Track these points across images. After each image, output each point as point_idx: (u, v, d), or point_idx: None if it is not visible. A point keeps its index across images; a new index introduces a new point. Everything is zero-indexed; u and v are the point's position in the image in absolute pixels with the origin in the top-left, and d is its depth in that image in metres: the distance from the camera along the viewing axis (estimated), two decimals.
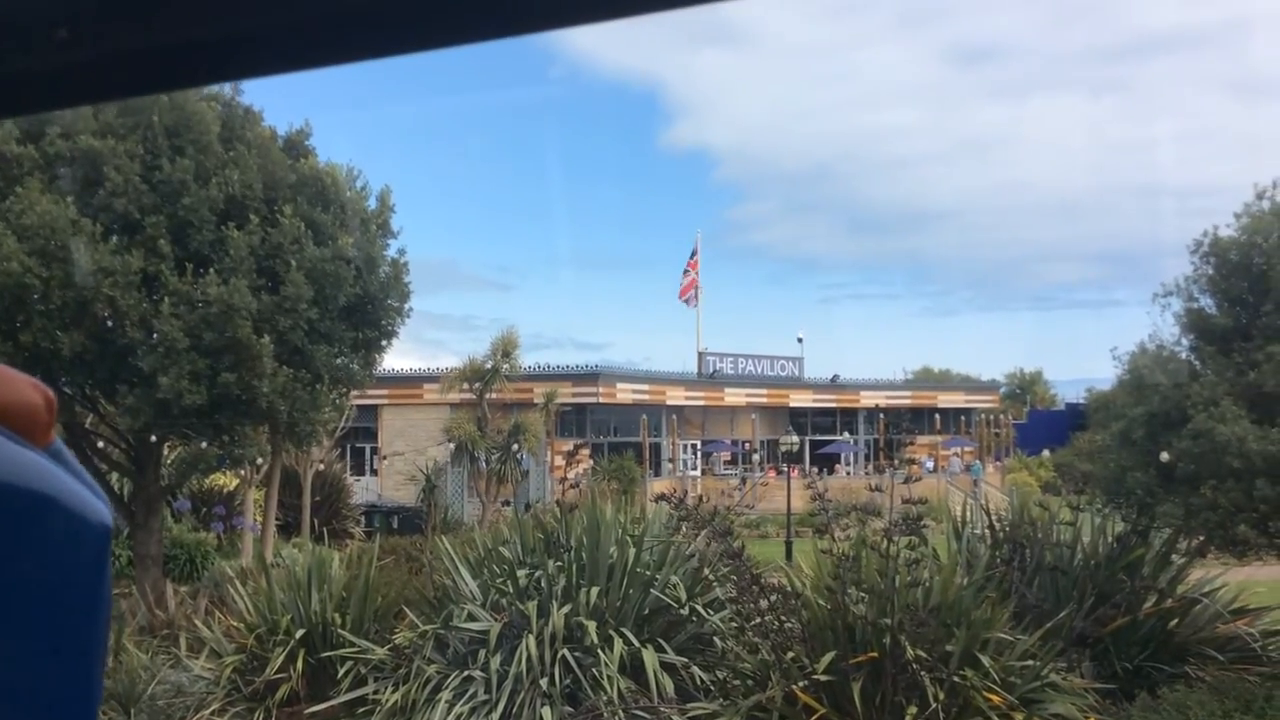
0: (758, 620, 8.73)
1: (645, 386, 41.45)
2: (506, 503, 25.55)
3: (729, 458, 48.11)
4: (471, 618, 10.61)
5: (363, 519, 30.43)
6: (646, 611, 10.59)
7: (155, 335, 12.22)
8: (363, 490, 34.55)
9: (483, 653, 10.13)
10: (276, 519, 27.16)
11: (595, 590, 10.52)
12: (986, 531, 12.26)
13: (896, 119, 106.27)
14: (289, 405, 13.15)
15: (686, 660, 9.96)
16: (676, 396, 43.57)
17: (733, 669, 9.15)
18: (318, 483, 28.58)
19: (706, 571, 10.94)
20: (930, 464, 44.50)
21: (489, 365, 20.52)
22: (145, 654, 13.31)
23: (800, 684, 7.89)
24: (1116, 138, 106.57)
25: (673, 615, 10.52)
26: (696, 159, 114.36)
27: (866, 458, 50.95)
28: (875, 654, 8.05)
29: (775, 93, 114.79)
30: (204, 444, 13.14)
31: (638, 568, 10.83)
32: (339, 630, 11.17)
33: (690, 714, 9.00)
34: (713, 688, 9.66)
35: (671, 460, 42.28)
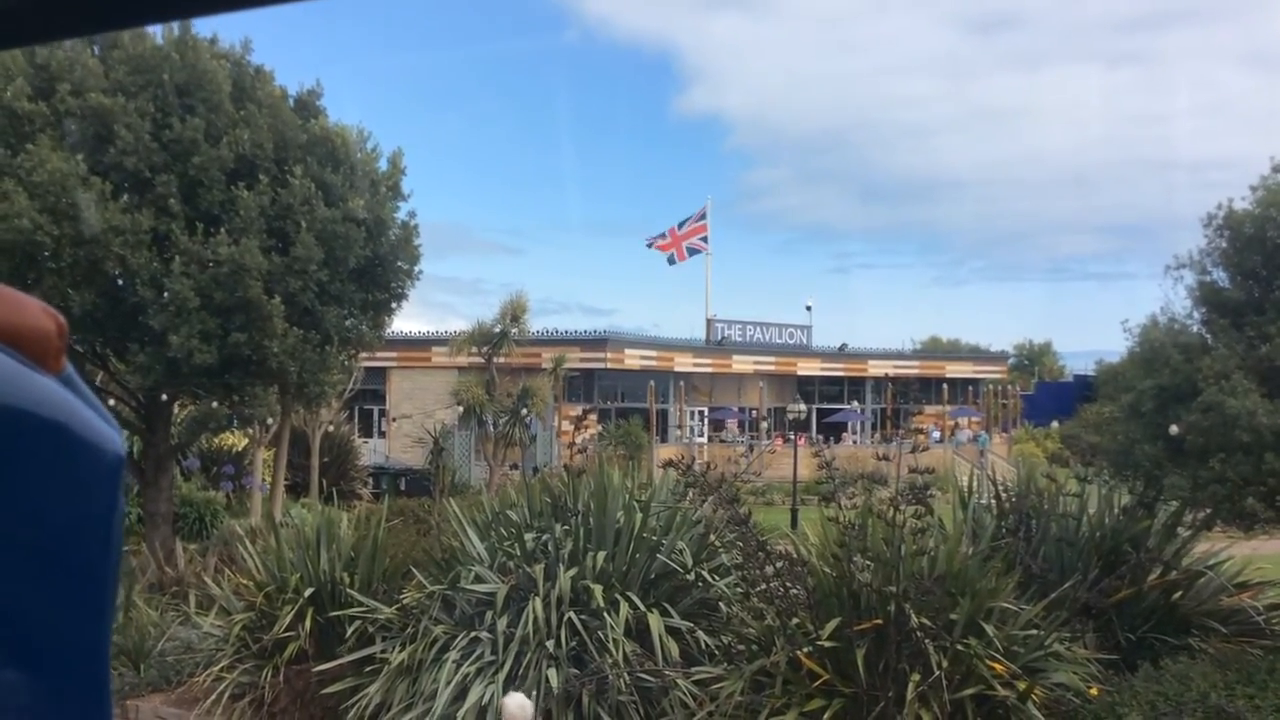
0: (762, 586, 8.77)
1: (653, 353, 41.45)
2: (514, 466, 25.66)
3: (735, 425, 48.16)
4: (479, 579, 10.68)
5: (370, 480, 30.61)
6: (653, 576, 10.64)
7: (166, 294, 12.23)
8: (370, 452, 34.71)
9: (489, 614, 10.21)
10: (285, 479, 27.36)
11: (602, 554, 10.58)
12: (993, 502, 12.26)
13: (911, 88, 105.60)
14: (298, 366, 13.18)
15: (692, 625, 10.02)
16: (685, 363, 43.57)
17: (737, 634, 9.20)
18: (326, 444, 28.70)
19: (712, 538, 10.98)
20: (937, 434, 44.52)
21: (498, 329, 20.51)
22: (155, 611, 13.47)
23: (805, 650, 7.94)
24: (1131, 109, 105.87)
25: (679, 580, 10.57)
26: (709, 125, 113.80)
27: (873, 427, 51.00)
28: (879, 621, 8.09)
29: (790, 59, 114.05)
30: (214, 403, 13.17)
31: (644, 533, 10.87)
32: (348, 590, 11.26)
33: (695, 678, 9.08)
34: (717, 652, 9.73)
35: (680, 427, 42.33)
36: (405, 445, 37.85)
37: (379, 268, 14.64)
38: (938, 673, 7.62)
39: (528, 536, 11.01)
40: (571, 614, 9.94)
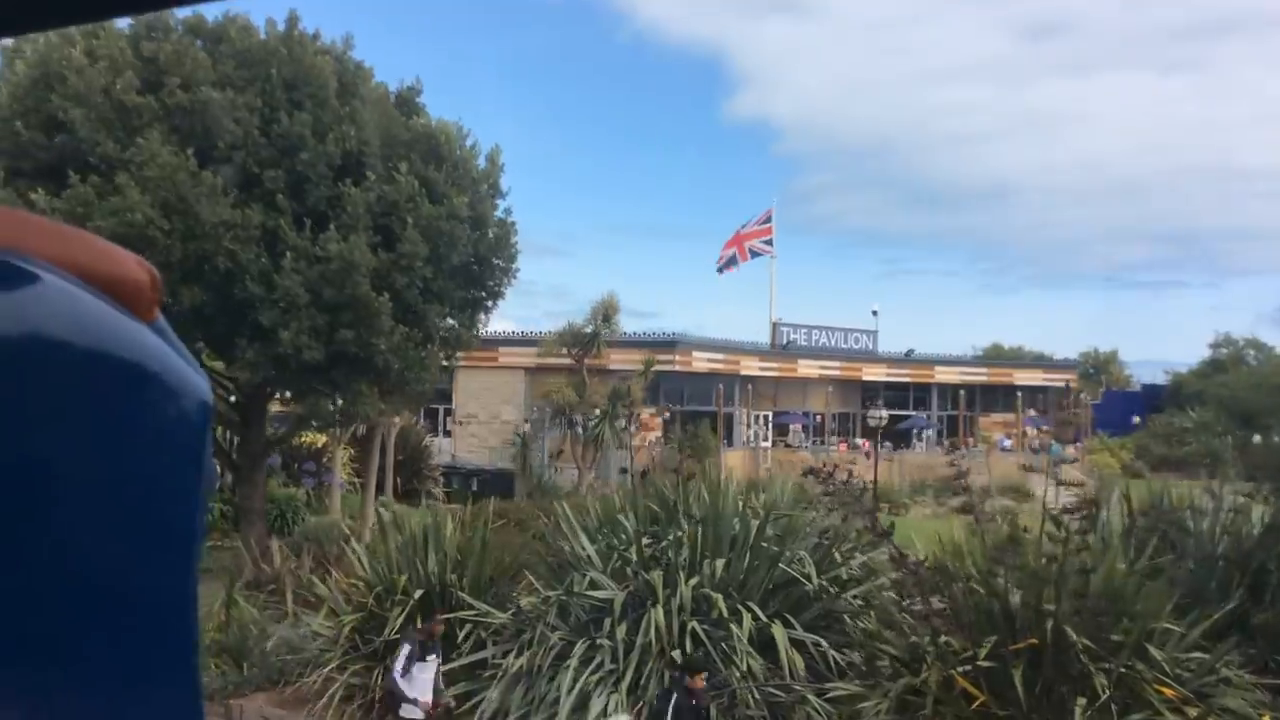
0: (909, 601, 8.43)
1: (720, 356, 41.05)
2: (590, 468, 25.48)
3: (800, 429, 47.64)
4: (594, 585, 10.43)
5: (441, 479, 30.56)
6: (770, 586, 10.33)
7: (276, 291, 12.13)
8: (436, 452, 34.70)
9: (608, 621, 9.95)
10: (360, 478, 27.40)
11: (720, 562, 10.30)
12: (1125, 518, 11.78)
13: (961, 93, 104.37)
14: (401, 364, 13.04)
15: (817, 638, 9.70)
16: (750, 367, 43.15)
17: (874, 650, 8.85)
18: (399, 442, 28.71)
19: (834, 550, 10.64)
20: (1008, 442, 43.74)
21: (589, 329, 20.27)
22: (254, 609, 13.39)
23: (961, 669, 7.58)
24: (1184, 117, 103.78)
25: (800, 591, 10.25)
26: (758, 130, 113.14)
27: (940, 434, 50.22)
28: (1035, 640, 7.73)
29: (839, 64, 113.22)
30: (324, 401, 13.06)
31: (762, 541, 10.57)
32: (458, 592, 11.06)
33: (830, 694, 8.75)
34: (847, 668, 9.40)
35: (747, 428, 41.93)
36: (471, 445, 37.80)
37: (478, 266, 14.48)
38: (1104, 696, 7.24)
39: (642, 543, 10.74)
40: (695, 623, 9.66)
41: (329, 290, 12.29)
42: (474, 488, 30.36)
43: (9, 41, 13.24)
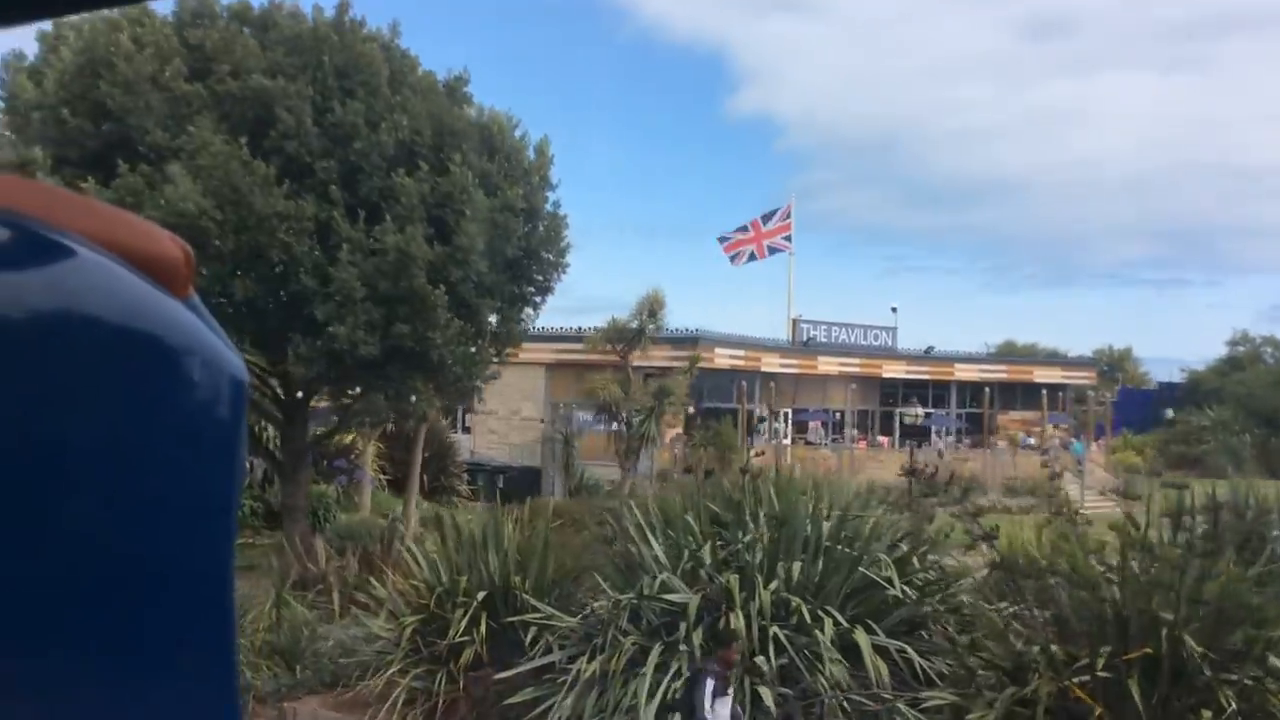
0: (1006, 606, 8.12)
1: (741, 352, 40.74)
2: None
3: (820, 426, 47.32)
4: (666, 588, 10.12)
5: (466, 477, 30.26)
6: (848, 590, 10.01)
7: (332, 284, 11.81)
8: (460, 449, 34.37)
9: (683, 626, 9.64)
10: (386, 474, 27.11)
11: (797, 566, 9.98)
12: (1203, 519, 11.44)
13: (963, 91, 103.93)
14: (457, 360, 12.73)
15: (901, 645, 9.39)
16: (771, 363, 42.81)
17: (975, 658, 8.51)
18: (425, 439, 28.42)
19: (915, 554, 10.32)
20: (1031, 440, 43.40)
21: (634, 325, 19.95)
22: (303, 608, 13.09)
23: (1076, 679, 7.26)
24: (1186, 115, 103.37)
25: (880, 595, 9.93)
26: (760, 126, 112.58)
27: (959, 432, 49.88)
28: (1149, 649, 7.41)
29: (841, 61, 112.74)
30: (377, 397, 12.73)
31: (839, 544, 10.26)
32: (523, 594, 10.75)
33: (925, 704, 8.45)
34: (935, 676, 9.08)
35: (771, 423, 41.57)
36: (490, 442, 37.47)
37: (527, 259, 14.17)
38: (1230, 709, 6.93)
39: (712, 545, 10.42)
40: (776, 629, 9.35)
41: (384, 283, 11.99)
42: (499, 485, 30.11)
43: (49, 26, 12.95)
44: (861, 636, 9.24)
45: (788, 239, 50.00)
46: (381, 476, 26.47)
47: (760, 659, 9.08)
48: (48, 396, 0.47)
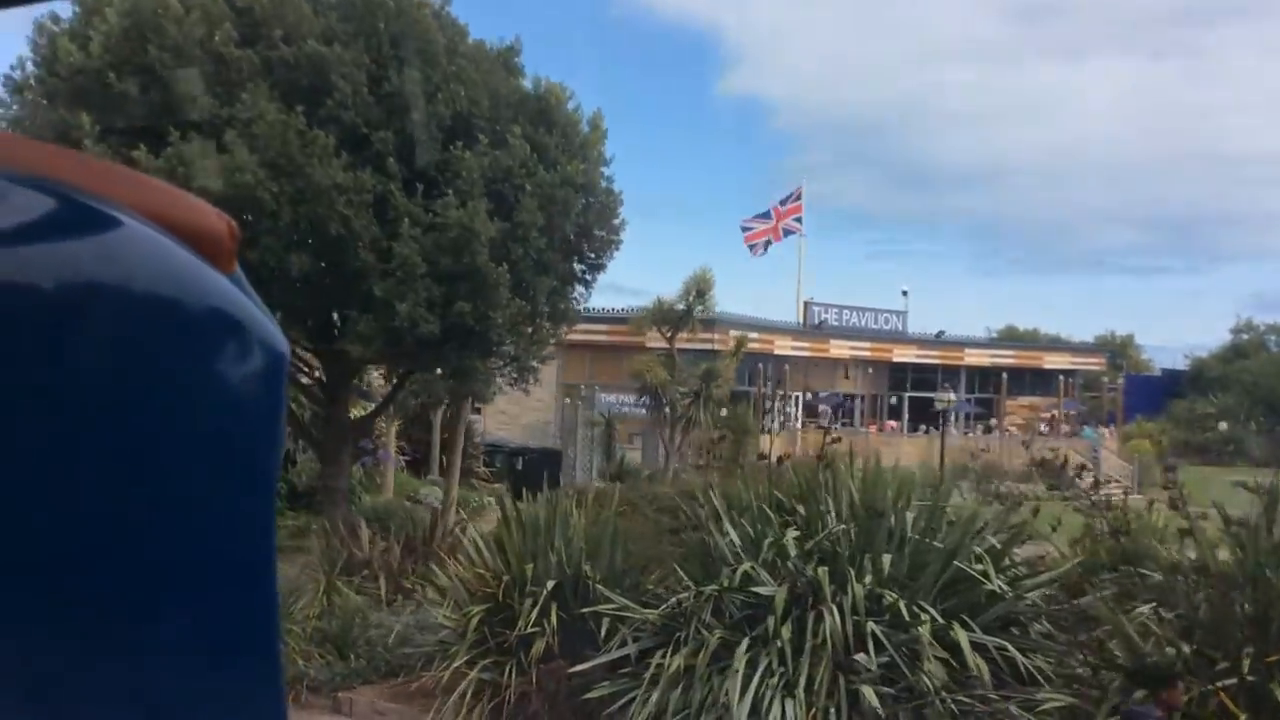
0: (1142, 608, 7.75)
1: (754, 335, 40.34)
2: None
3: (831, 410, 47.00)
4: (748, 579, 9.74)
5: (482, 458, 29.84)
6: (942, 584, 9.63)
7: (393, 259, 11.35)
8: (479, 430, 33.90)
9: (768, 620, 9.25)
10: (405, 455, 26.66)
11: (887, 558, 9.60)
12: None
13: (951, 75, 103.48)
14: (514, 339, 12.30)
15: (1001, 642, 9.02)
16: (784, 346, 42.43)
17: (1085, 659, 8.15)
18: (443, 420, 28.01)
19: (1009, 545, 9.95)
20: (1043, 428, 43.18)
21: (681, 306, 19.48)
22: (354, 595, 12.69)
23: (1221, 683, 6.89)
24: (1173, 102, 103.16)
25: (975, 590, 9.55)
26: (749, 108, 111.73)
27: (968, 417, 49.64)
28: None
29: (830, 43, 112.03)
30: (434, 378, 12.28)
31: (928, 536, 9.88)
32: (596, 584, 10.34)
33: (1041, 706, 8.08)
34: (1040, 677, 8.72)
35: (779, 405, 41.21)
36: (500, 422, 37.03)
37: (582, 237, 13.73)
38: None
39: (792, 535, 10.03)
40: (873, 625, 8.98)
41: (446, 260, 11.53)
42: (519, 467, 29.71)
43: None
44: (961, 633, 8.87)
45: (799, 220, 49.59)
46: (403, 458, 26.04)
47: (862, 657, 8.70)
48: (96, 365, 0.46)
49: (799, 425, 43.75)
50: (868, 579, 9.26)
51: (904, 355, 48.48)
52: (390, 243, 11.45)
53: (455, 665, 10.18)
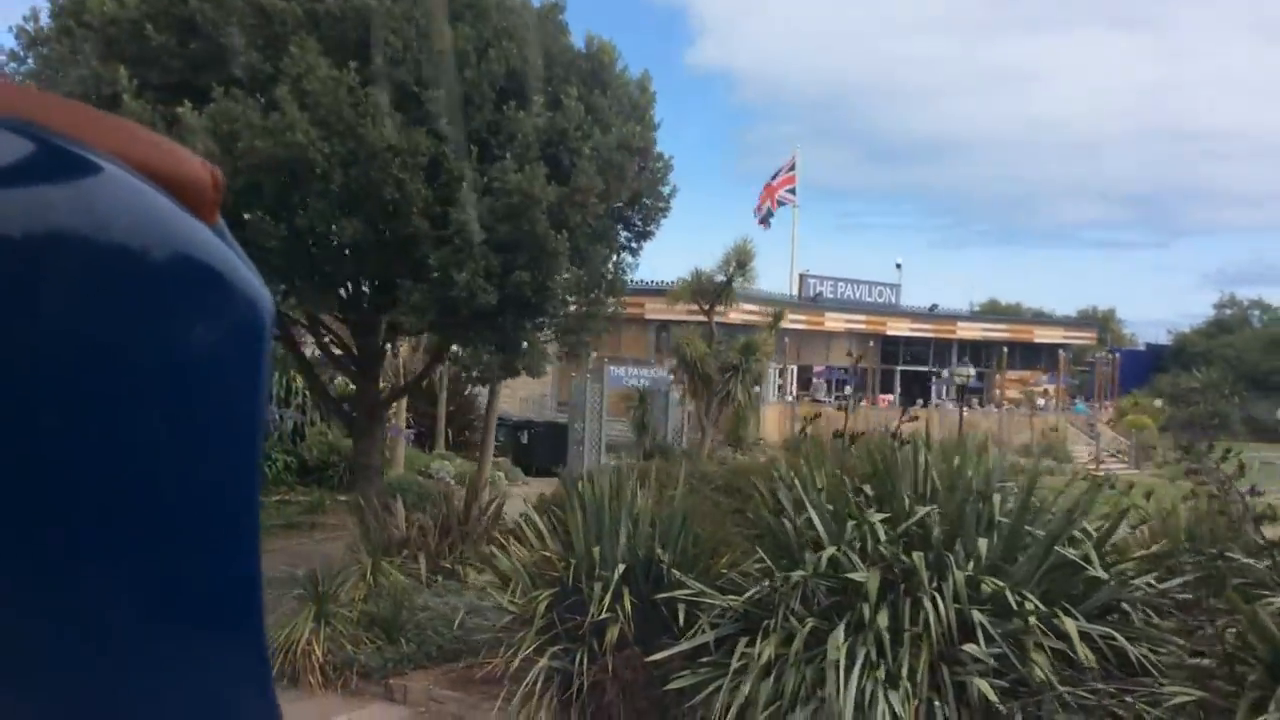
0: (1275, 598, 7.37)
1: (754, 307, 39.93)
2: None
3: (824, 384, 46.78)
4: (834, 565, 9.31)
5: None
6: (1042, 570, 9.24)
7: (450, 226, 10.77)
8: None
9: (864, 607, 8.83)
10: (410, 428, 26.03)
11: (983, 542, 9.20)
12: None
13: (917, 47, 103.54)
14: (571, 311, 11.76)
15: (1108, 631, 8.66)
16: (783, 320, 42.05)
17: (1223, 649, 7.77)
18: (450, 392, 27.46)
19: (1112, 529, 9.57)
20: (1040, 402, 43.12)
21: (720, 278, 18.97)
22: (401, 576, 12.19)
23: None
24: (1138, 77, 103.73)
25: (1077, 576, 9.17)
26: (715, 80, 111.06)
27: (959, 391, 49.57)
28: None
29: (798, 15, 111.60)
30: (486, 350, 11.72)
31: (1023, 519, 9.50)
32: (671, 569, 9.88)
33: (1169, 700, 7.72)
34: (1151, 668, 8.38)
35: (772, 382, 40.89)
36: (502, 395, 36.53)
37: (632, 204, 13.19)
38: None
39: (877, 517, 9.59)
40: (978, 614, 8.58)
41: (504, 227, 10.95)
42: (524, 440, 29.20)
43: None
44: (1070, 622, 8.49)
45: (792, 192, 49.13)
46: (409, 431, 25.45)
47: (972, 647, 8.30)
48: (73, 312, 0.46)
49: (791, 399, 43.51)
50: (970, 565, 8.86)
51: (897, 329, 48.28)
52: (446, 208, 10.86)
53: (525, 652, 9.70)
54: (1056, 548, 9.12)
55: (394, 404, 22.86)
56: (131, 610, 0.48)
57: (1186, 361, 67.01)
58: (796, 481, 10.08)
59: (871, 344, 44.46)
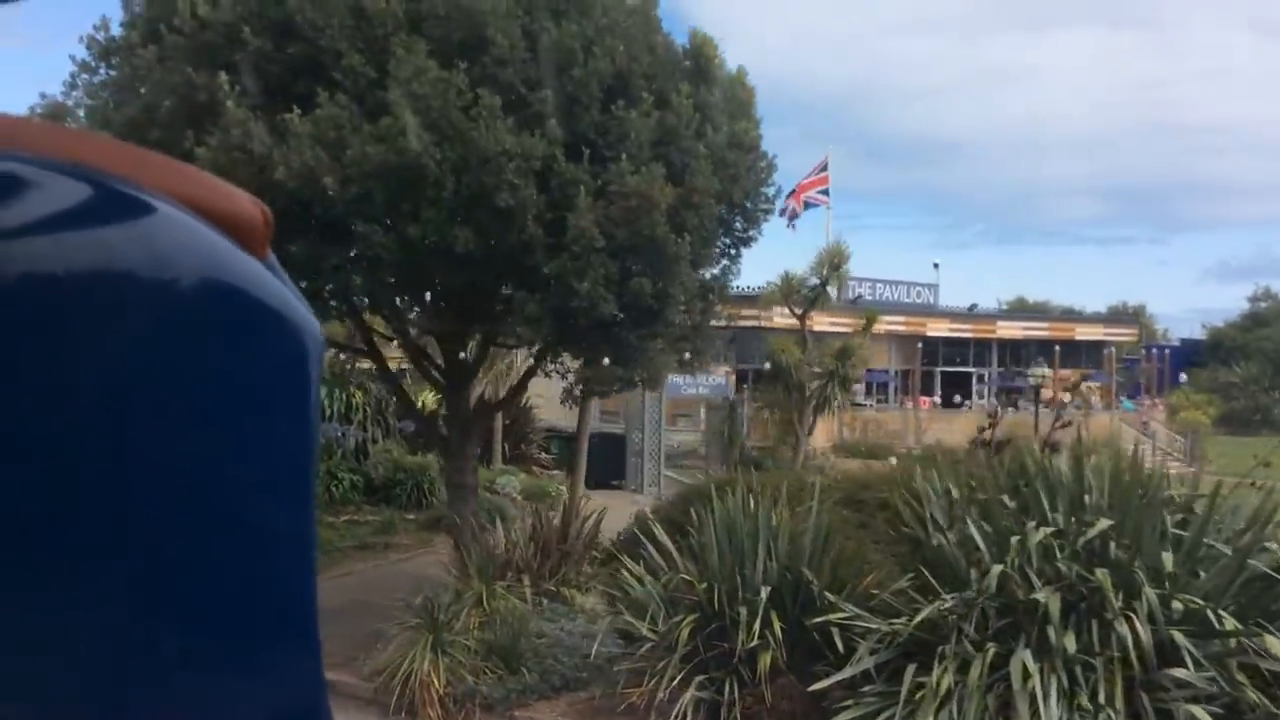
0: None
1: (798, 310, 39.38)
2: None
3: (860, 387, 46.12)
4: (1004, 583, 8.70)
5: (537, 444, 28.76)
6: (1232, 586, 8.61)
7: (569, 232, 10.20)
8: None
9: (1048, 630, 8.21)
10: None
11: (1168, 557, 8.58)
12: None
13: (916, 48, 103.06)
14: (691, 319, 11.19)
15: None
16: (822, 322, 41.39)
17: None
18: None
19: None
20: (1095, 400, 42.36)
21: (813, 281, 18.37)
22: (517, 601, 11.62)
23: None
24: (1134, 73, 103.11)
25: (1270, 591, 8.55)
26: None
27: (1035, 392, 48.84)
28: None
29: (795, 16, 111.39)
30: (607, 363, 11.14)
31: (1205, 532, 8.87)
32: (825, 592, 9.27)
33: None
34: None
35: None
36: (534, 404, 35.99)
37: (736, 206, 12.61)
38: None
39: (1041, 532, 8.97)
40: (1176, 633, 7.96)
41: (621, 232, 10.37)
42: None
43: None
44: (1270, 640, 7.87)
45: (824, 193, 48.51)
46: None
47: (1181, 672, 7.67)
48: (140, 348, 0.47)
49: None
50: (1165, 584, 8.24)
51: (937, 329, 47.61)
52: (563, 214, 10.29)
53: (671, 682, 9.10)
54: (1251, 560, 8.51)
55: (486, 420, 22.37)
56: (196, 631, 0.47)
57: (1224, 357, 66.13)
58: (955, 492, 9.48)
59: (920, 345, 43.84)
